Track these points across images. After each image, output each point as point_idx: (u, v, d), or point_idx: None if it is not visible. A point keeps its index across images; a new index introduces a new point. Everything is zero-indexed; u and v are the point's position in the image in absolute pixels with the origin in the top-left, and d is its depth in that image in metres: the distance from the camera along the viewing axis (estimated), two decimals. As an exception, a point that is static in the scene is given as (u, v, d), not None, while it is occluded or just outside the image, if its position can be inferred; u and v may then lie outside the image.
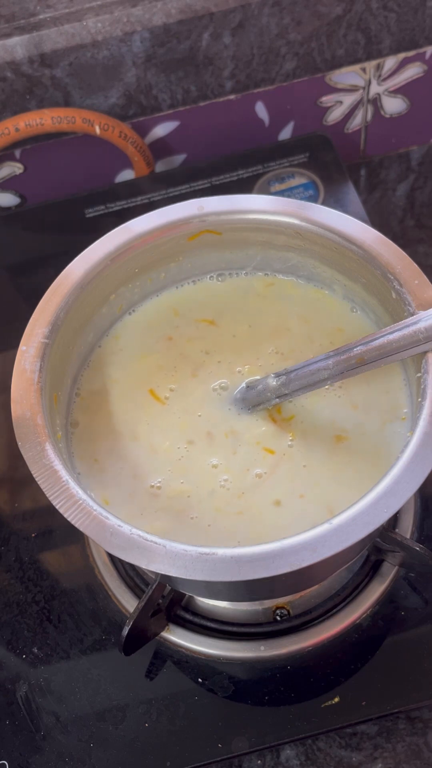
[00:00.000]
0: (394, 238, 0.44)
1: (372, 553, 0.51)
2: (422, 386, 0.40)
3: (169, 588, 0.49)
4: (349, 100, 0.75)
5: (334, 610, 0.50)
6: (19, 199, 0.75)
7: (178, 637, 0.50)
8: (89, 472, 0.44)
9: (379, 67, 0.73)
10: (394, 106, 0.76)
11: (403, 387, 0.45)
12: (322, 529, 0.35)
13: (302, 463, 0.43)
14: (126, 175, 0.76)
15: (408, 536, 0.52)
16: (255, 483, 0.43)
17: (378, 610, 0.50)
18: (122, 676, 0.49)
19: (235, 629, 0.50)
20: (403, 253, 0.44)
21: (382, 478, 0.37)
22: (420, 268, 0.43)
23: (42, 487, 0.38)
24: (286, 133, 0.76)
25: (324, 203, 0.68)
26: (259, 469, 0.43)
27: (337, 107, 0.75)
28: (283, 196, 0.60)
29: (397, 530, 0.52)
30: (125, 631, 0.45)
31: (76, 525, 0.37)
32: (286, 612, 0.50)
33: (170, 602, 0.49)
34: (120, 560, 0.53)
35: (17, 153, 0.71)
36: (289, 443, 0.44)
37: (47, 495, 0.38)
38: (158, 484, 0.43)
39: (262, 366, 0.47)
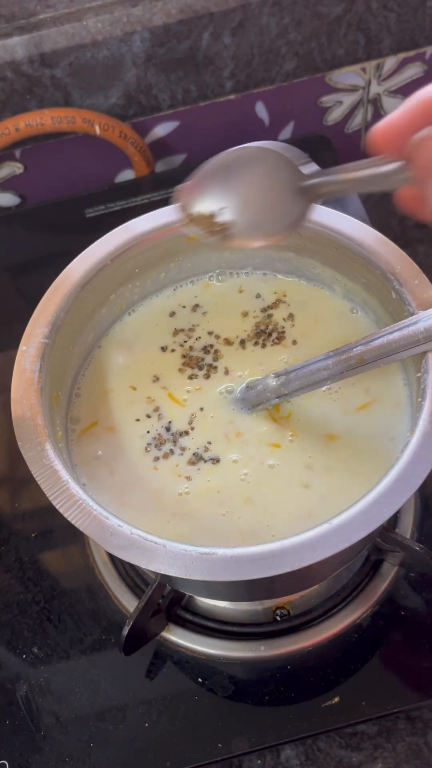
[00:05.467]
0: (394, 238, 0.44)
1: (372, 553, 0.51)
2: (422, 386, 0.40)
3: (169, 588, 0.49)
4: (349, 100, 0.75)
5: (334, 610, 0.50)
6: (19, 199, 0.75)
7: (178, 637, 0.50)
8: (96, 479, 0.44)
9: (379, 67, 0.73)
10: (394, 106, 0.76)
11: (403, 387, 0.45)
12: (322, 529, 0.35)
13: (308, 454, 0.44)
14: (126, 175, 0.76)
15: (408, 536, 0.52)
16: (270, 474, 0.43)
17: (378, 610, 0.50)
18: (122, 676, 0.49)
19: (235, 629, 0.50)
20: (403, 253, 0.44)
21: (382, 478, 0.37)
22: (420, 268, 0.43)
23: (42, 487, 0.38)
24: (286, 133, 0.76)
25: (324, 203, 0.67)
26: (271, 460, 0.44)
27: (337, 107, 0.75)
28: (283, 196, 0.60)
29: (397, 530, 0.52)
30: (125, 631, 0.45)
31: (76, 525, 0.37)
32: (286, 612, 0.50)
33: (170, 602, 0.49)
34: (120, 560, 0.53)
35: (17, 153, 0.71)
36: (290, 439, 0.44)
37: (47, 495, 0.38)
38: (186, 490, 0.43)
39: (264, 370, 0.47)
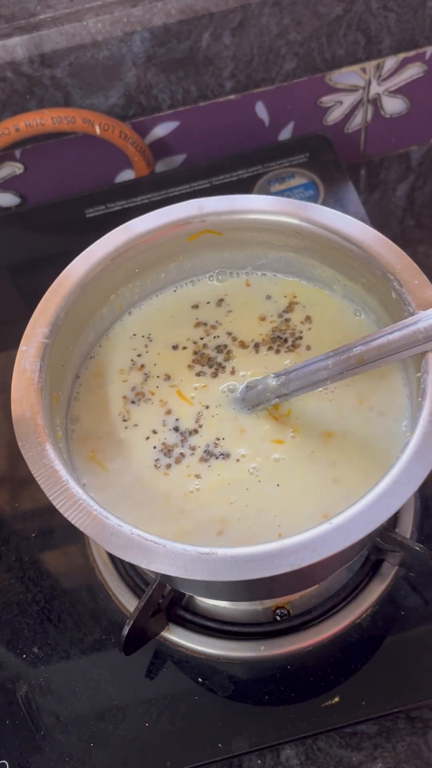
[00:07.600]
0: (394, 238, 0.44)
1: (372, 553, 0.51)
2: (422, 386, 0.40)
3: (169, 588, 0.49)
4: (349, 100, 0.75)
5: (334, 610, 0.50)
6: (19, 199, 0.75)
7: (178, 636, 0.50)
8: (97, 480, 0.44)
9: (379, 67, 0.73)
10: (394, 106, 0.76)
11: (403, 387, 0.45)
12: (322, 529, 0.35)
13: (310, 449, 0.44)
14: (126, 175, 0.76)
15: (408, 536, 0.52)
16: (277, 467, 0.43)
17: (378, 610, 0.50)
18: (122, 676, 0.49)
19: (235, 629, 0.50)
20: (403, 253, 0.44)
21: (382, 478, 0.37)
22: (420, 268, 0.43)
23: (42, 487, 0.38)
24: (286, 133, 0.76)
25: (324, 203, 0.68)
26: (276, 454, 0.44)
27: (337, 107, 0.75)
28: (283, 196, 0.60)
29: (397, 530, 0.52)
30: (125, 630, 0.45)
31: (76, 525, 0.37)
32: (286, 612, 0.50)
33: (170, 602, 0.49)
34: (120, 560, 0.53)
35: (17, 153, 0.71)
36: (292, 435, 0.44)
37: (47, 495, 0.38)
38: (197, 487, 0.43)
39: (267, 371, 0.47)
